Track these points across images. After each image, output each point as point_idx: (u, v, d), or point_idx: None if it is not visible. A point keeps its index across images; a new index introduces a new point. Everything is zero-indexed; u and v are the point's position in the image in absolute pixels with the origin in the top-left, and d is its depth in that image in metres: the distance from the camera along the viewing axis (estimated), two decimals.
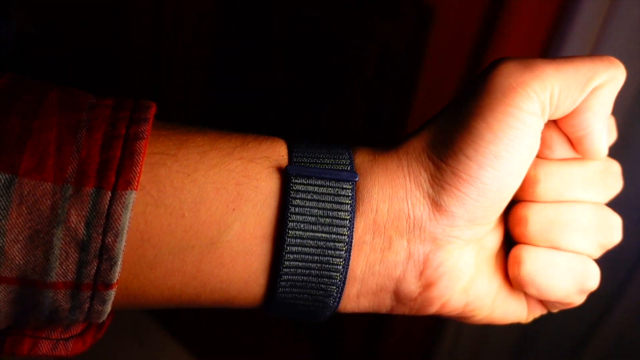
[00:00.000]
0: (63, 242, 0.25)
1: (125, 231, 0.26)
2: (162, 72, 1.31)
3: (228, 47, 1.29)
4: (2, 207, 0.24)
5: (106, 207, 0.25)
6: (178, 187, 0.28)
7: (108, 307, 0.27)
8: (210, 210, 0.29)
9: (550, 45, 0.91)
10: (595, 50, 0.87)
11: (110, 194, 0.25)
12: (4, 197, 0.24)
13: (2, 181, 0.24)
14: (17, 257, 0.25)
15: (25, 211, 0.25)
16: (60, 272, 0.26)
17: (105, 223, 0.26)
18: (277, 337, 1.32)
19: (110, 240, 0.26)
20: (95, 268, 0.26)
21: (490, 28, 0.94)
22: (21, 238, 0.25)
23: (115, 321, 1.09)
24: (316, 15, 1.08)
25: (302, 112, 1.22)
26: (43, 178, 0.25)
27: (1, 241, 0.24)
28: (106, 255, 0.26)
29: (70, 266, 0.26)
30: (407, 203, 0.31)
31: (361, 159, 0.33)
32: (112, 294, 0.27)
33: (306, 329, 1.33)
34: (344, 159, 0.32)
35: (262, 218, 0.30)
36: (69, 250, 0.26)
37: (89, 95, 0.28)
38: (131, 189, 0.26)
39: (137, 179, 0.26)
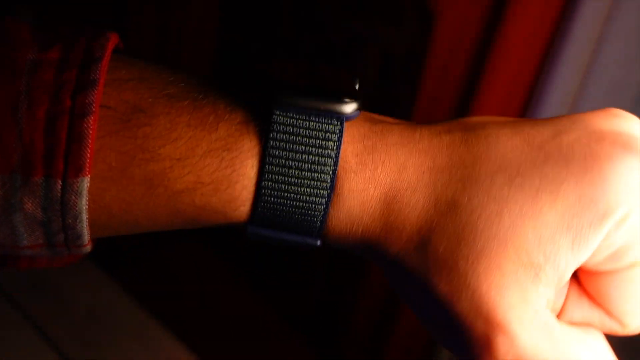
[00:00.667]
0: (25, 223, 0.25)
1: (84, 213, 0.25)
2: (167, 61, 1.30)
3: (231, 52, 1.29)
4: None
5: (59, 195, 0.24)
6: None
7: (86, 246, 0.27)
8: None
9: (552, 49, 0.91)
10: (596, 52, 0.87)
11: (60, 182, 0.24)
12: None
13: None
14: None
15: None
16: (31, 240, 0.26)
17: (61, 209, 0.25)
18: (280, 339, 1.31)
19: (70, 221, 0.25)
20: (63, 237, 0.26)
21: (492, 33, 0.94)
22: None
23: (118, 322, 1.08)
24: (318, 20, 1.08)
25: None
26: None
27: None
28: (70, 231, 0.26)
29: (39, 236, 0.26)
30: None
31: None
32: (86, 238, 0.27)
33: (310, 329, 1.33)
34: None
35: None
36: (33, 227, 0.25)
37: (28, 41, 0.25)
38: (83, 176, 0.24)
39: (87, 164, 0.24)
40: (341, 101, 0.28)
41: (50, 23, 0.27)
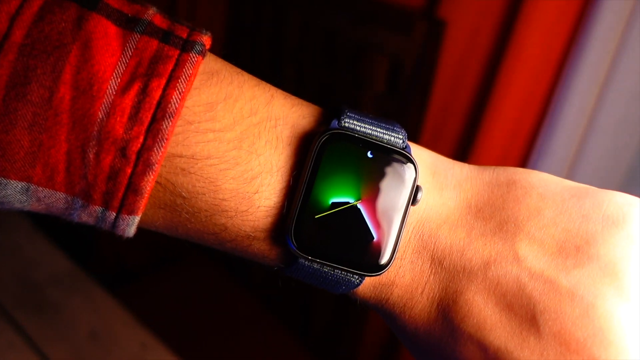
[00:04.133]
0: (79, 221, 0.28)
1: (131, 233, 0.28)
2: None
3: (238, 62, 1.28)
4: (22, 201, 0.27)
5: (112, 220, 0.27)
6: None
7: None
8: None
9: (568, 57, 0.89)
10: (616, 59, 0.84)
11: (114, 215, 0.27)
12: (23, 195, 0.26)
13: (19, 187, 0.26)
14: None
15: (44, 206, 0.27)
16: (83, 219, 0.28)
17: (113, 228, 0.27)
18: (287, 356, 1.29)
19: (118, 233, 0.28)
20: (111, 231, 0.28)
21: (505, 42, 0.92)
22: (43, 212, 0.28)
23: (119, 343, 1.06)
24: (327, 29, 1.07)
25: None
26: (56, 189, 0.26)
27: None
28: (118, 234, 0.28)
29: (91, 222, 0.28)
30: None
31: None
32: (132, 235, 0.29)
33: (315, 340, 1.31)
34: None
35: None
36: (88, 223, 0.28)
37: (110, 67, 0.26)
38: (135, 215, 0.27)
39: (140, 210, 0.27)
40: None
41: (139, 16, 0.27)
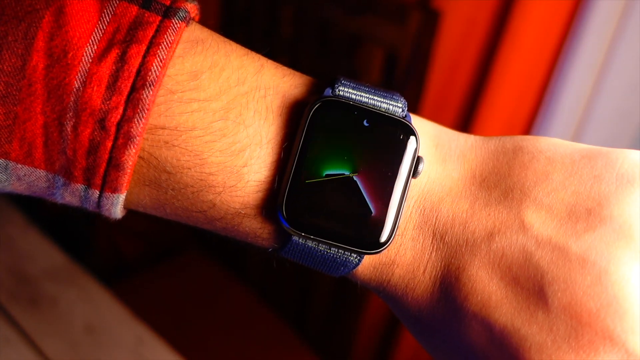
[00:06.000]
0: (65, 202, 0.27)
1: (118, 212, 0.26)
2: None
3: None
4: (2, 181, 0.25)
5: (96, 199, 0.26)
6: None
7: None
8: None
9: (564, 47, 0.88)
10: (612, 49, 0.84)
11: (98, 192, 0.25)
12: (3, 174, 0.25)
13: None
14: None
15: (25, 185, 0.26)
16: (66, 203, 0.27)
17: (98, 207, 0.26)
18: (285, 349, 1.30)
19: (105, 214, 0.27)
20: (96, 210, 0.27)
21: (500, 32, 0.91)
22: (27, 193, 0.27)
23: (115, 337, 1.05)
24: (321, 19, 1.06)
25: None
26: (35, 166, 0.25)
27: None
28: (104, 214, 0.27)
29: (75, 205, 0.27)
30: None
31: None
32: (119, 216, 0.28)
33: (313, 337, 1.31)
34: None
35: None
36: (71, 204, 0.27)
37: (82, 58, 0.24)
38: (119, 193, 0.25)
39: (124, 187, 0.25)
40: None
41: None
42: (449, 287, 0.26)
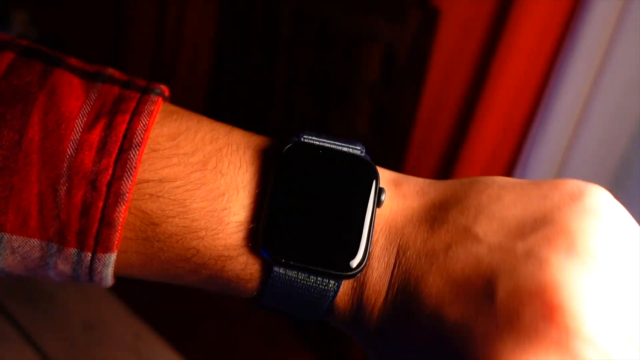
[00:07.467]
0: (56, 274, 0.29)
1: (109, 276, 0.28)
2: (162, 79, 1.29)
3: (231, 51, 1.28)
4: None
5: (88, 263, 0.28)
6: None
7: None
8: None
9: (562, 48, 0.88)
10: (610, 50, 0.84)
11: (90, 255, 0.27)
12: None
13: None
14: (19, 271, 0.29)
15: (19, 258, 0.28)
16: (59, 279, 0.30)
17: (90, 272, 0.28)
18: (283, 351, 1.30)
19: (96, 279, 0.29)
20: (89, 281, 0.29)
21: (499, 31, 0.92)
22: (19, 270, 0.29)
23: (113, 334, 1.06)
24: (320, 18, 1.06)
25: (305, 114, 1.20)
26: (29, 235, 0.27)
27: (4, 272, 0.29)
28: (96, 282, 0.29)
29: (68, 279, 0.29)
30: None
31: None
32: (110, 284, 0.30)
33: (308, 338, 1.31)
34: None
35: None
36: (63, 277, 0.29)
37: (75, 110, 0.28)
38: (110, 253, 0.28)
39: (115, 245, 0.27)
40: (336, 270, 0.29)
41: (100, 71, 0.30)
42: (408, 295, 0.28)
